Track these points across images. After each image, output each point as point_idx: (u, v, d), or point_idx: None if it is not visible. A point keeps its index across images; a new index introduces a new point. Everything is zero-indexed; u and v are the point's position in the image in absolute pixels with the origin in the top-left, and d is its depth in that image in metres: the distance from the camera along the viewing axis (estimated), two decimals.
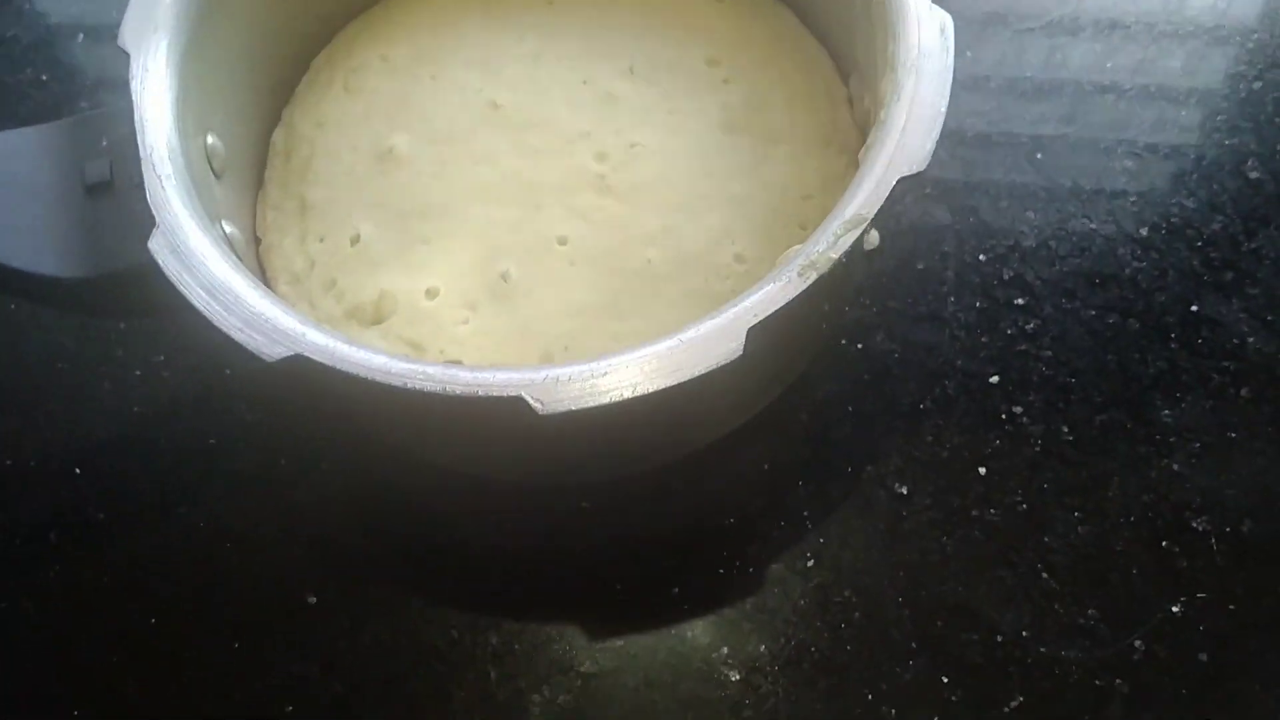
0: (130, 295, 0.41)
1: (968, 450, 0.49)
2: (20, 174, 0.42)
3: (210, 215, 0.42)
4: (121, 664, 0.47)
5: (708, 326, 0.36)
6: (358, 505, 0.50)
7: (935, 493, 0.48)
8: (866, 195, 0.37)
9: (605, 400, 0.34)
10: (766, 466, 0.50)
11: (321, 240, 0.46)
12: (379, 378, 0.35)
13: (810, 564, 0.47)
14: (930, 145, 0.38)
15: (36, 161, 0.42)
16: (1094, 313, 0.52)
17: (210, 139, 0.44)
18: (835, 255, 0.36)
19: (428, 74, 0.49)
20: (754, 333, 0.35)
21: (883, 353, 0.52)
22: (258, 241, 0.48)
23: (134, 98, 0.40)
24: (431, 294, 0.44)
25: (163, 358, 0.53)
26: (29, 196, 0.42)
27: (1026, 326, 0.52)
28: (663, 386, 0.35)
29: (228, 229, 0.43)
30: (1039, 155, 0.56)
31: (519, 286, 0.44)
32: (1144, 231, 0.54)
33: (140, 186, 0.40)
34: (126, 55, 0.41)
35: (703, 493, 0.49)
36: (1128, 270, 0.53)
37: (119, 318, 0.53)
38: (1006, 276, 0.53)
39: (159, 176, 0.39)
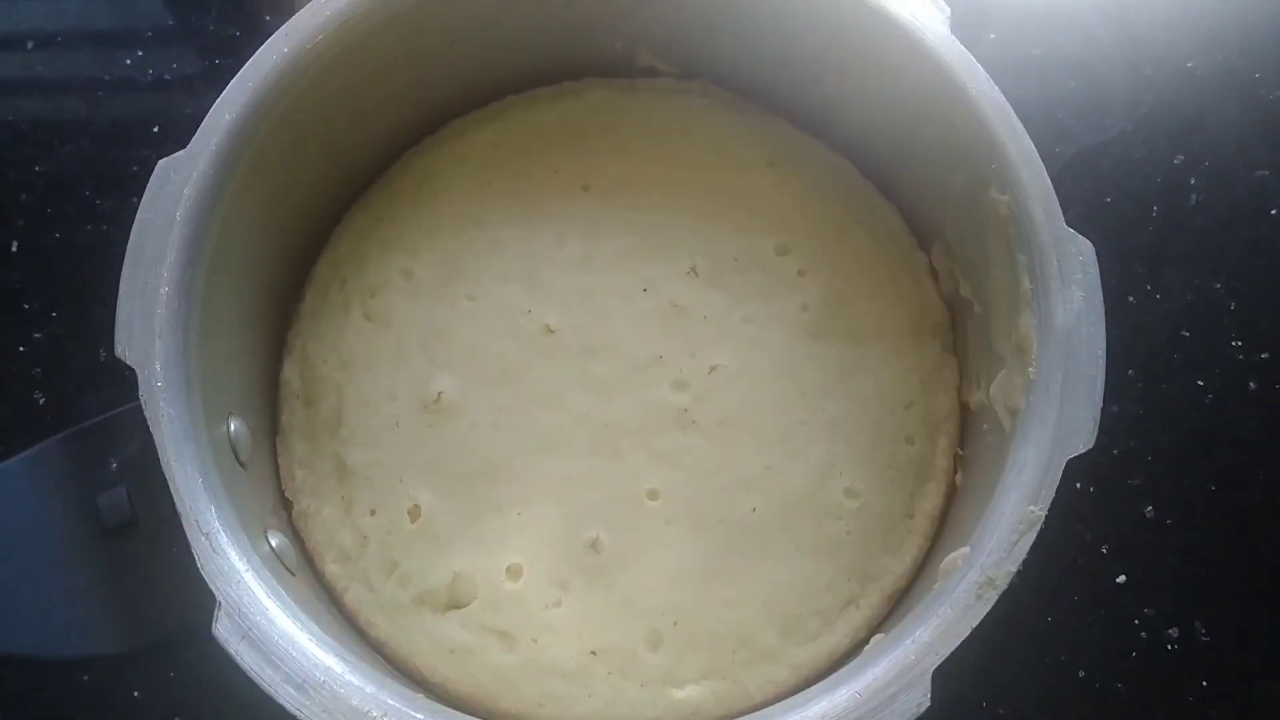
0: (180, 661, 0.36)
1: None
2: (19, 522, 0.35)
3: (254, 530, 0.36)
4: None
5: (879, 673, 0.32)
6: None
7: None
8: (1033, 485, 0.33)
9: None
10: None
11: (373, 514, 0.40)
12: None
13: None
14: (1095, 416, 0.34)
15: (38, 499, 0.36)
16: None
17: (233, 425, 0.38)
18: (1014, 568, 0.32)
19: (463, 294, 0.42)
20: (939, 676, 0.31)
21: None
22: (287, 504, 0.41)
23: (153, 427, 0.34)
24: (514, 574, 0.39)
25: None
26: (34, 551, 0.35)
27: None
28: None
29: (274, 542, 0.37)
30: None
31: (613, 556, 0.39)
32: None
33: (169, 520, 0.34)
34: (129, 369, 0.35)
35: None
36: None
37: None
38: None
39: (206, 536, 0.33)
